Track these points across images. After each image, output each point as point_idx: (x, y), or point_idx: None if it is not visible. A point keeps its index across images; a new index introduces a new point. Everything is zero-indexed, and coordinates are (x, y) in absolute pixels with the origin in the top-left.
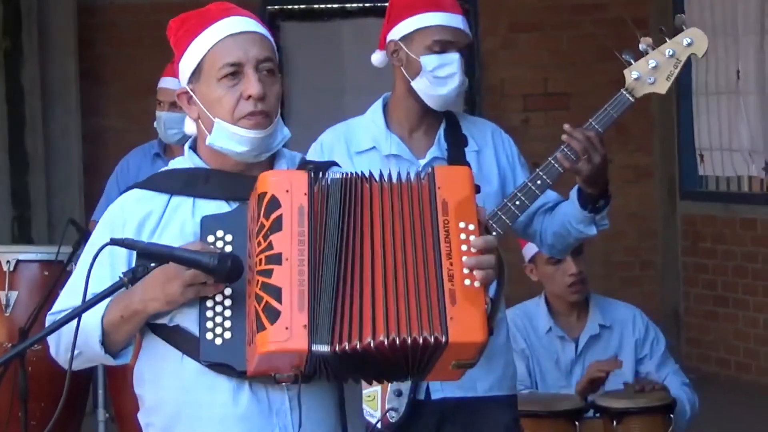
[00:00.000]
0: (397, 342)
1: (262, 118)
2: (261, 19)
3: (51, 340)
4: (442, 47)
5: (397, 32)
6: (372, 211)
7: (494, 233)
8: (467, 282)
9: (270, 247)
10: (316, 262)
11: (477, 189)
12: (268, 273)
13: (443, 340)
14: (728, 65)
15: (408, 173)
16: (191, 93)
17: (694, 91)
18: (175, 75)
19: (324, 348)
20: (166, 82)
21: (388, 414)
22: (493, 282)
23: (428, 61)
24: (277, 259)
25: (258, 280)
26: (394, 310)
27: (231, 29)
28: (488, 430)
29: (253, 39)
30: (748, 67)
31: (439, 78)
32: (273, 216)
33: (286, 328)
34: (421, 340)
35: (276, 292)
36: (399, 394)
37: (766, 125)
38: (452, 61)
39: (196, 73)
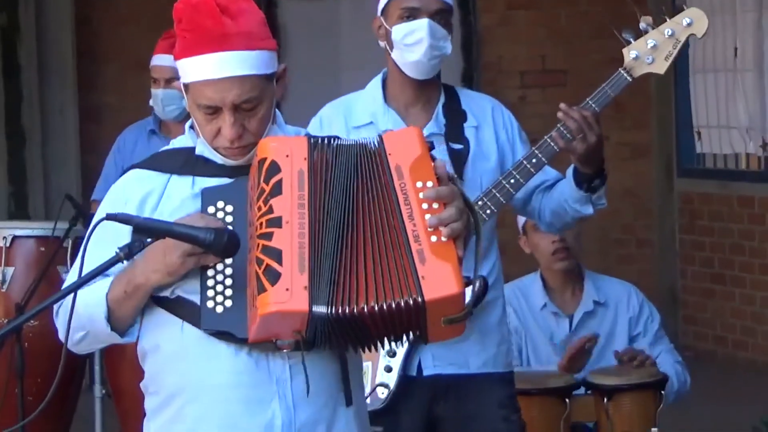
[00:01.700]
0: (377, 308)
1: (238, 152)
2: None
3: (58, 325)
4: (410, 14)
5: (378, 8)
6: (357, 177)
7: (455, 183)
8: (434, 238)
9: (270, 210)
10: (316, 225)
11: (431, 146)
12: (269, 236)
13: (420, 300)
14: (726, 42)
15: (363, 141)
16: (185, 94)
17: (691, 68)
18: (169, 51)
19: (324, 309)
20: (159, 60)
21: (377, 389)
22: (464, 230)
23: (397, 30)
24: (277, 222)
25: (259, 244)
26: (372, 277)
27: (210, 73)
28: (481, 406)
29: (231, 84)
30: (746, 44)
31: (408, 45)
32: (273, 180)
33: (287, 290)
34: (402, 305)
35: (277, 255)
36: (389, 370)
37: (764, 103)
38: (419, 27)
39: (186, 87)
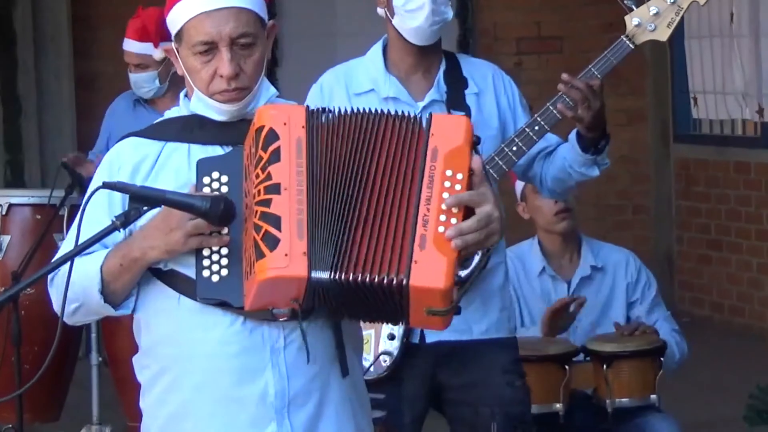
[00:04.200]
0: (360, 279)
1: (236, 94)
2: None
3: (52, 294)
4: None
5: None
6: (373, 148)
7: (489, 183)
8: (441, 229)
9: (269, 177)
10: (315, 192)
11: (477, 140)
12: (267, 203)
13: (404, 282)
14: (722, 8)
15: (410, 115)
16: (176, 52)
17: (687, 34)
18: (134, 36)
19: (323, 275)
20: (126, 45)
21: (380, 358)
22: (479, 241)
23: None
24: (275, 188)
25: (256, 211)
26: (373, 249)
27: (205, 6)
28: (484, 372)
29: (228, 15)
30: (741, 9)
31: (409, 11)
32: (271, 148)
33: (286, 255)
34: (385, 281)
35: (275, 221)
36: (392, 337)
37: (760, 68)
38: None
39: (179, 37)
